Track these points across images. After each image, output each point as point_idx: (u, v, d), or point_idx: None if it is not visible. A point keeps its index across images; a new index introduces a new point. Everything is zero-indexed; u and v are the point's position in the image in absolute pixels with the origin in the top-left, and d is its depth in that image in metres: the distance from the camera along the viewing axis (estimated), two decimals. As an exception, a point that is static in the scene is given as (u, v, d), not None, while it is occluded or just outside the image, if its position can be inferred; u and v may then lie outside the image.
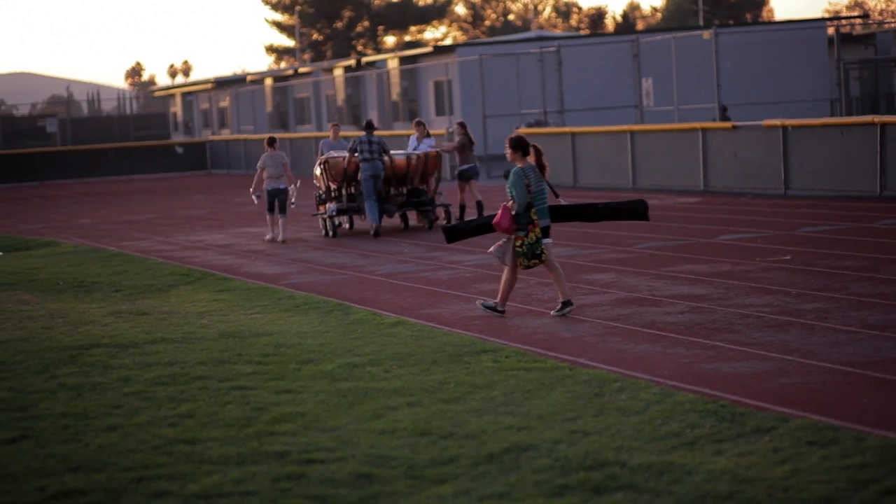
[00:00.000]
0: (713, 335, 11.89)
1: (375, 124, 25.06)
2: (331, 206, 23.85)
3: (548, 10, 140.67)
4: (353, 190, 24.06)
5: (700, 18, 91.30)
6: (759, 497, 6.99)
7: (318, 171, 24.47)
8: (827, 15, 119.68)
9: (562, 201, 14.44)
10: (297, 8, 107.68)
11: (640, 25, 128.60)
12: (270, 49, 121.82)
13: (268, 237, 23.71)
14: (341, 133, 26.95)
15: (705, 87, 36.18)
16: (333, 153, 24.49)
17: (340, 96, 62.46)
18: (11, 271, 20.46)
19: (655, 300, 14.14)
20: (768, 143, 27.35)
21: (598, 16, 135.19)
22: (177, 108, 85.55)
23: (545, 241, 13.47)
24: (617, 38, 62.29)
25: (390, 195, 24.15)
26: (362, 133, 23.71)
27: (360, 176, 23.42)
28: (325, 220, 24.13)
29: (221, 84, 76.59)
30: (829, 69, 48.01)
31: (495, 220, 13.46)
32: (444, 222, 23.32)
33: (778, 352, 10.95)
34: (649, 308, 13.64)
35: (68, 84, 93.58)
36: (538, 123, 39.05)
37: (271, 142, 23.86)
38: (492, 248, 13.72)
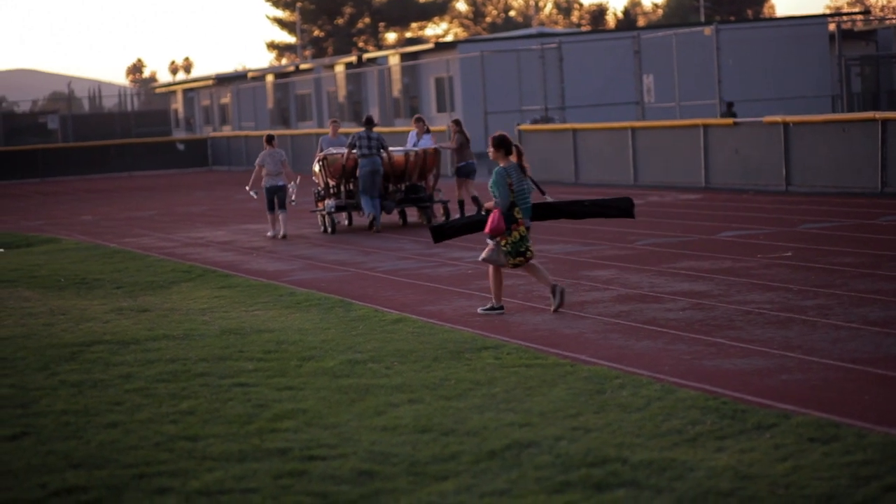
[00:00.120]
0: (714, 332, 11.89)
1: (376, 121, 25.07)
2: (329, 202, 23.87)
3: (549, 6, 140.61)
4: (351, 186, 24.09)
5: (701, 15, 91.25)
6: (760, 494, 6.99)
7: (316, 167, 24.49)
8: (828, 11, 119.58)
9: (548, 199, 14.45)
10: (299, 4, 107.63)
11: (641, 22, 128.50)
12: (271, 46, 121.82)
13: (269, 234, 23.72)
14: (342, 130, 26.96)
15: (706, 84, 36.15)
16: (332, 150, 24.52)
17: (341, 93, 62.45)
18: (13, 268, 20.46)
19: (656, 297, 14.14)
20: (769, 140, 27.34)
21: (599, 12, 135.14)
22: (178, 104, 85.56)
23: None
24: (618, 34, 62.30)
25: (389, 192, 24.19)
26: (362, 129, 23.73)
27: (358, 172, 23.45)
28: (323, 217, 24.15)
29: (223, 81, 76.59)
30: (831, 65, 47.96)
31: (487, 228, 13.44)
32: (444, 219, 23.33)
33: (779, 348, 10.95)
34: (650, 305, 13.64)
35: (69, 81, 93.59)
36: (544, 120, 39.05)
37: (270, 139, 23.90)
38: (483, 255, 13.71)
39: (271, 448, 8.43)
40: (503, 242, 13.42)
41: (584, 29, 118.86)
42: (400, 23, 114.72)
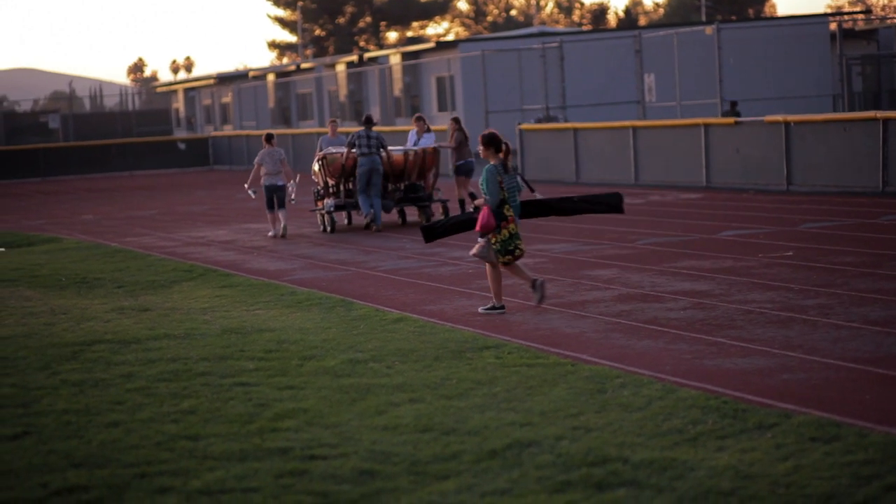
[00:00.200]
0: (715, 331, 11.89)
1: (375, 120, 25.11)
2: (329, 201, 23.90)
3: (550, 5, 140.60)
4: (351, 186, 24.12)
5: (702, 14, 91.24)
6: (761, 493, 6.99)
7: (316, 167, 24.53)
8: (829, 10, 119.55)
9: (538, 196, 14.49)
10: (300, 4, 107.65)
11: (642, 21, 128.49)
12: (272, 45, 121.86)
13: (270, 234, 23.73)
14: (342, 129, 26.99)
15: (707, 83, 36.15)
16: (332, 149, 24.56)
17: (342, 92, 62.45)
18: (14, 267, 20.46)
19: (657, 296, 14.14)
20: (770, 139, 27.34)
21: (600, 11, 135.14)
22: (179, 103, 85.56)
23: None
24: (619, 33, 62.29)
25: (388, 191, 24.22)
26: (361, 128, 23.76)
27: (357, 171, 23.49)
28: (323, 216, 24.19)
29: (224, 80, 76.60)
30: (832, 65, 47.97)
31: (478, 226, 13.51)
32: (443, 218, 23.35)
33: (780, 348, 10.95)
34: (651, 304, 13.64)
35: (71, 80, 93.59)
36: (547, 119, 39.05)
37: (269, 138, 23.95)
38: (473, 251, 13.80)
39: (272, 447, 8.43)
40: (493, 240, 13.49)
41: (585, 28, 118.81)
42: (401, 22, 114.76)
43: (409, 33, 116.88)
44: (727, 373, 10.12)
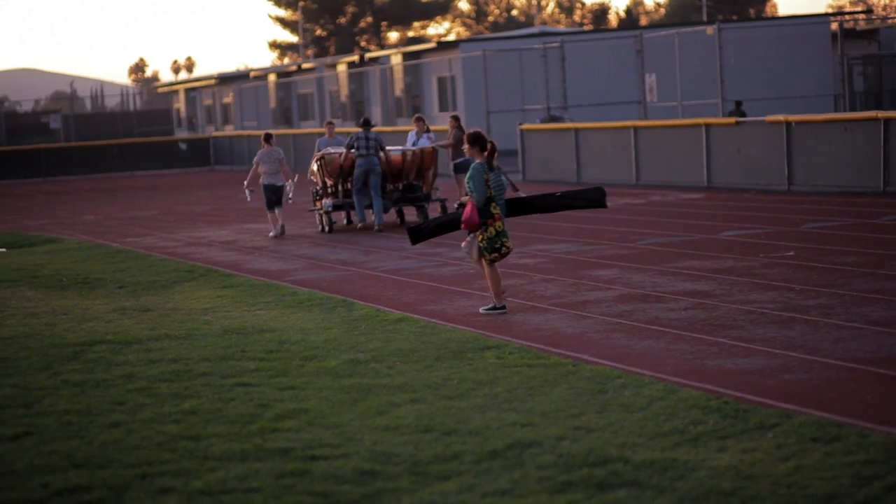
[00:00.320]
0: (716, 331, 11.89)
1: (373, 121, 25.16)
2: (327, 201, 23.95)
3: (551, 5, 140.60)
4: (349, 186, 24.19)
5: (703, 14, 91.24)
6: (762, 493, 6.99)
7: (314, 167, 24.58)
8: (830, 10, 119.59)
9: (521, 194, 14.54)
10: (301, 4, 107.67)
11: (643, 21, 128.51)
12: (274, 45, 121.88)
13: (271, 234, 23.75)
14: (343, 129, 27.03)
15: (709, 83, 36.13)
16: (330, 149, 24.64)
17: (344, 92, 62.46)
18: (15, 268, 20.47)
19: (659, 296, 14.14)
20: (772, 139, 27.33)
21: (601, 11, 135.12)
22: (180, 104, 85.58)
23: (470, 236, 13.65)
24: (620, 33, 62.29)
25: (386, 191, 24.28)
26: (359, 130, 23.79)
27: (354, 171, 23.60)
28: (321, 216, 24.25)
29: (225, 80, 76.61)
30: (833, 65, 47.95)
31: (464, 217, 13.56)
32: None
33: (781, 348, 10.95)
34: (653, 304, 13.64)
35: (72, 80, 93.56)
36: (553, 119, 39.05)
37: (267, 138, 24.03)
38: (463, 245, 13.88)
39: (273, 448, 8.43)
40: (480, 238, 13.53)
41: (586, 28, 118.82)
42: (402, 22, 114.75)
43: (411, 33, 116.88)
44: (728, 373, 10.12)
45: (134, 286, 17.51)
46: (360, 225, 23.70)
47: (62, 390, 10.65)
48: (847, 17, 65.99)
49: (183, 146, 58.67)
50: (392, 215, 25.25)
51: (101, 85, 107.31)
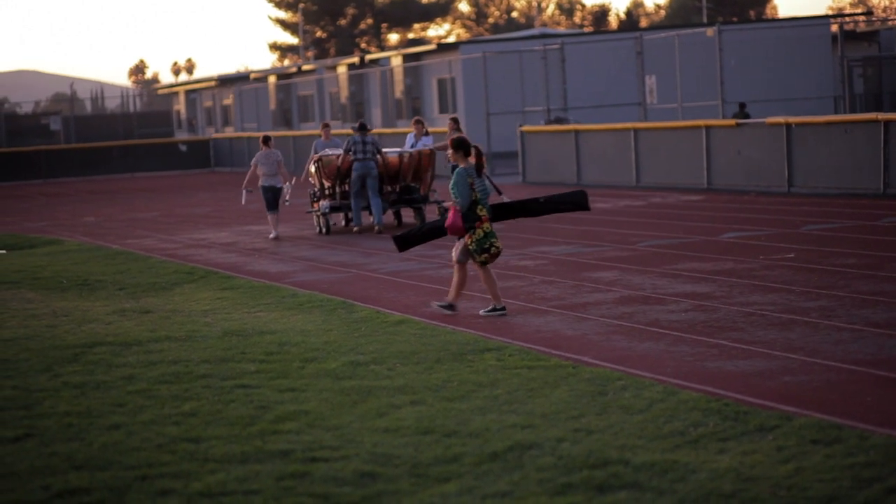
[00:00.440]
0: (717, 333, 11.89)
1: (369, 125, 25.16)
2: (324, 203, 23.98)
3: (551, 7, 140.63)
4: (346, 188, 24.23)
5: (704, 16, 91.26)
6: (762, 496, 6.99)
7: (312, 168, 24.62)
8: (830, 12, 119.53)
9: (505, 199, 14.60)
10: (301, 5, 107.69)
11: (643, 23, 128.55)
12: (274, 47, 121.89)
13: (271, 236, 23.77)
14: (340, 131, 27.07)
15: (709, 85, 36.14)
16: (328, 151, 24.68)
17: (344, 94, 62.46)
18: (15, 269, 20.47)
19: (659, 298, 14.14)
20: (772, 141, 27.34)
21: (601, 13, 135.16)
22: (180, 105, 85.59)
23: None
24: (620, 35, 62.30)
25: (383, 193, 24.32)
26: (356, 133, 23.83)
27: (351, 175, 23.67)
28: (318, 218, 24.29)
29: (225, 82, 76.62)
30: (833, 67, 47.95)
31: (447, 223, 13.65)
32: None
33: (781, 350, 10.95)
34: (653, 306, 13.65)
35: (72, 82, 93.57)
36: (558, 121, 39.07)
37: (266, 140, 24.10)
38: (454, 252, 13.96)
39: (273, 450, 8.43)
40: (469, 241, 13.59)
41: (586, 30, 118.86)
42: (402, 24, 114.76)
43: (411, 35, 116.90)
44: (728, 375, 10.12)
45: (134, 288, 17.51)
46: (355, 229, 23.76)
47: (62, 392, 10.65)
48: (847, 18, 66.03)
49: (183, 148, 58.67)
50: (389, 217, 25.28)
51: (102, 86, 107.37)
